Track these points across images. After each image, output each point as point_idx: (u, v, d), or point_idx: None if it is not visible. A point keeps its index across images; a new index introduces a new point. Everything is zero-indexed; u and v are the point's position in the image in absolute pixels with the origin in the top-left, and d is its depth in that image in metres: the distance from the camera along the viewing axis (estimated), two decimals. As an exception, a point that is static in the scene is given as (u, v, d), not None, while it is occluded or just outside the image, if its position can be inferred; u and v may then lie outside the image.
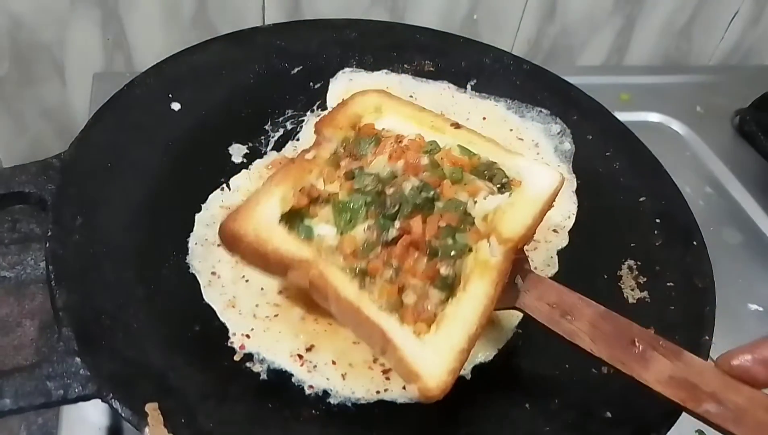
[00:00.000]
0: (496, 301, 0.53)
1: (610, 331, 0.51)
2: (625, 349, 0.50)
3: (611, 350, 0.50)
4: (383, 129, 0.61)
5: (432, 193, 0.54)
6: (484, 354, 0.58)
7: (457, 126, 0.61)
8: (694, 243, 0.67)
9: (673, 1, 1.13)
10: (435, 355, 0.49)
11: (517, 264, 0.55)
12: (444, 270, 0.52)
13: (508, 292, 0.54)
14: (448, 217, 0.53)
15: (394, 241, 0.52)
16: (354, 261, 0.52)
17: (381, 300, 0.51)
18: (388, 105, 0.64)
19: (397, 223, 0.53)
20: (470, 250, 0.53)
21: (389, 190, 0.54)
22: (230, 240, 0.54)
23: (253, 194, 0.56)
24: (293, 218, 0.55)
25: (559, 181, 0.59)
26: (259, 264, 0.55)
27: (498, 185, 0.57)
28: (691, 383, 0.47)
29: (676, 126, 1.03)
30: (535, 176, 0.58)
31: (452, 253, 0.52)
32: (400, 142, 0.58)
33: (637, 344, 0.50)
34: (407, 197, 0.54)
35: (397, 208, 0.53)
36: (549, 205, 0.58)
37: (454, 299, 0.52)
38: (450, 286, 0.52)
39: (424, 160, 0.57)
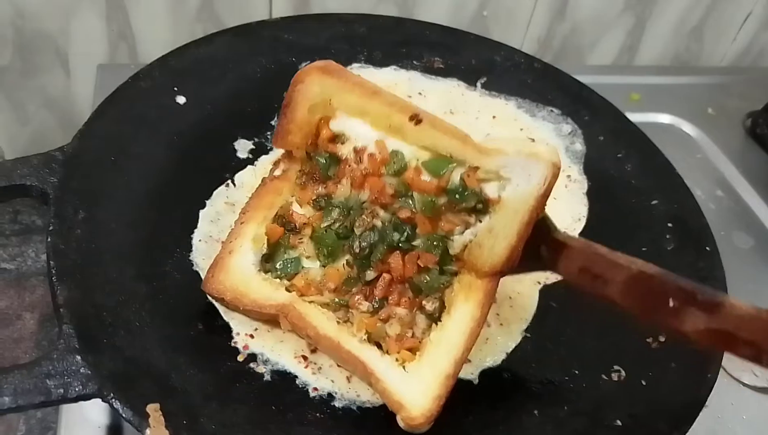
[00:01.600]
0: (524, 268, 0.52)
1: (644, 292, 0.50)
2: (660, 308, 0.49)
3: (647, 310, 0.50)
4: (341, 136, 0.54)
5: (406, 232, 0.51)
6: (492, 358, 0.57)
7: (417, 121, 0.52)
8: (707, 248, 0.66)
9: (684, 1, 1.12)
10: (419, 383, 0.49)
11: (540, 232, 0.52)
12: (429, 305, 0.51)
13: (533, 261, 0.52)
14: (427, 258, 0.51)
15: (375, 280, 0.52)
16: (337, 295, 0.52)
17: (360, 333, 0.51)
18: (335, 95, 0.54)
19: (373, 264, 0.52)
20: (450, 285, 0.52)
21: (358, 230, 0.52)
22: (215, 298, 0.55)
23: (225, 240, 0.56)
24: (276, 250, 0.55)
25: (552, 171, 0.49)
26: (249, 315, 0.55)
27: (474, 211, 0.51)
28: (729, 333, 0.47)
29: (687, 127, 1.02)
30: (522, 171, 0.49)
31: (434, 290, 0.52)
32: (360, 160, 0.53)
33: (672, 303, 0.48)
34: (380, 234, 0.52)
35: (368, 250, 0.52)
36: (542, 203, 0.50)
37: (439, 324, 0.51)
38: (434, 318, 0.52)
39: (390, 189, 0.52)
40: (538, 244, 0.52)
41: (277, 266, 0.54)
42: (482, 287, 0.51)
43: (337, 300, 0.52)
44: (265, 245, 0.55)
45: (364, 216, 0.52)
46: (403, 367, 0.50)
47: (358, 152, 0.53)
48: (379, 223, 0.52)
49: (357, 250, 0.52)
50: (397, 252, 0.51)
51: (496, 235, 0.50)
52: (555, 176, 0.50)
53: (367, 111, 0.54)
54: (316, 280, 0.53)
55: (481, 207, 0.51)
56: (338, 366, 0.54)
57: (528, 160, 0.50)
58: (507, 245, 0.50)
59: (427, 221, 0.51)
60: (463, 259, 0.51)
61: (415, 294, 0.52)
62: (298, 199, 0.56)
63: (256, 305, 0.53)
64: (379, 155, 0.52)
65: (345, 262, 0.53)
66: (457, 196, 0.51)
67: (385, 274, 0.51)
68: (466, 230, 0.51)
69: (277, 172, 0.57)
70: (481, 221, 0.51)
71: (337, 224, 0.53)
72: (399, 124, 0.52)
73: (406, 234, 0.51)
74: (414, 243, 0.52)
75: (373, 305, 0.51)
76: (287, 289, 0.53)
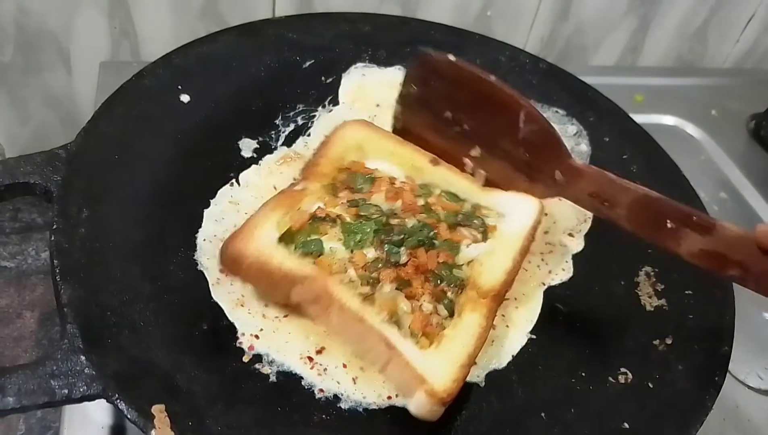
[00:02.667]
0: (540, 193, 0.60)
1: (645, 214, 0.55)
2: (659, 229, 0.54)
3: (647, 230, 0.55)
4: (375, 169, 0.63)
5: (432, 232, 0.57)
6: (497, 360, 0.57)
7: (435, 162, 0.63)
8: (713, 250, 0.65)
9: (688, 3, 1.11)
10: (438, 364, 0.51)
11: (556, 158, 0.59)
12: (450, 294, 0.55)
13: (549, 187, 0.60)
14: (446, 255, 0.56)
15: (404, 263, 0.55)
16: (365, 273, 0.54)
17: (383, 313, 0.52)
18: (369, 141, 0.65)
19: (403, 250, 0.55)
20: (464, 286, 0.56)
21: (394, 221, 0.58)
22: (233, 260, 0.55)
23: (249, 218, 0.57)
24: (293, 238, 0.56)
25: (538, 210, 0.61)
26: (263, 282, 0.55)
27: (479, 232, 0.59)
28: (720, 253, 0.52)
29: (691, 129, 1.01)
30: (513, 210, 0.61)
31: (452, 283, 0.55)
32: (394, 184, 0.61)
33: (669, 224, 0.53)
34: (411, 231, 0.57)
35: (402, 236, 0.56)
36: (531, 238, 0.60)
37: (452, 323, 0.54)
38: (451, 311, 0.54)
39: (420, 202, 0.60)
40: (553, 168, 0.58)
41: (296, 247, 0.55)
42: (486, 304, 0.55)
43: (365, 274, 0.54)
44: (288, 228, 0.57)
45: (397, 215, 0.58)
46: (422, 351, 0.51)
47: (391, 179, 0.62)
48: (410, 223, 0.58)
49: (394, 233, 0.56)
50: (423, 248, 0.56)
51: (495, 257, 0.58)
52: (541, 213, 0.61)
53: (394, 154, 0.64)
54: (343, 259, 0.55)
55: (483, 230, 0.59)
56: (344, 367, 0.54)
57: (519, 198, 0.61)
58: (504, 269, 0.57)
59: (446, 229, 0.58)
60: (467, 276, 0.56)
61: (435, 283, 0.55)
62: (326, 203, 0.59)
63: (281, 271, 0.53)
64: (409, 184, 0.62)
65: (374, 247, 0.56)
66: (468, 217, 0.60)
67: (413, 259, 0.55)
68: (473, 244, 0.58)
69: (298, 188, 0.60)
70: (485, 242, 0.59)
71: (375, 216, 0.57)
72: (420, 165, 0.64)
73: (432, 232, 0.57)
74: (435, 242, 0.57)
75: (401, 281, 0.54)
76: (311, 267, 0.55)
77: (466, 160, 0.63)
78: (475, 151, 0.63)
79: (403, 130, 0.66)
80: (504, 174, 0.62)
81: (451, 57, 0.63)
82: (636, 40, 1.14)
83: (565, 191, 0.60)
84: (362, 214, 0.58)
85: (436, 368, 0.50)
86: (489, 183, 0.63)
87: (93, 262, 0.54)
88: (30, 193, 0.59)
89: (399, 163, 0.64)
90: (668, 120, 1.02)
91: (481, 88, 0.61)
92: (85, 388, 0.46)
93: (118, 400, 0.46)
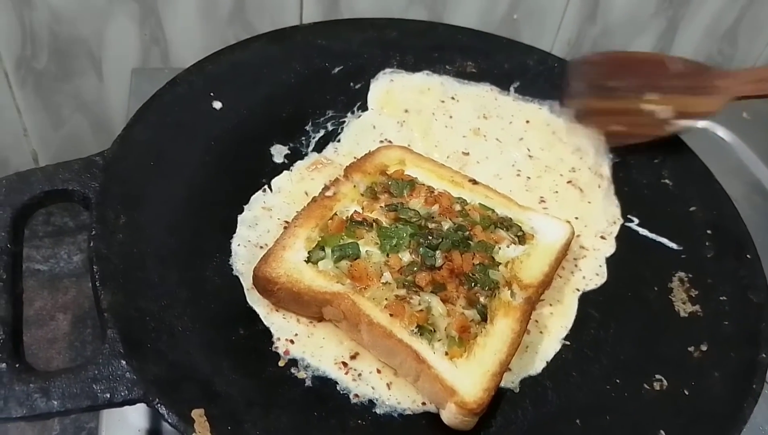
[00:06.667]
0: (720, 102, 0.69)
1: None
2: None
3: None
4: (416, 177, 0.65)
5: (467, 233, 0.59)
6: (533, 367, 0.57)
7: (474, 182, 0.67)
8: (748, 256, 0.65)
9: (717, 3, 1.10)
10: (469, 374, 0.51)
11: (708, 74, 0.72)
12: (483, 299, 0.55)
13: (720, 94, 0.71)
14: (481, 256, 0.58)
15: (439, 267, 0.56)
16: (400, 276, 0.55)
17: (411, 326, 0.53)
18: (410, 160, 0.68)
19: (439, 253, 0.56)
20: (497, 288, 0.56)
21: (431, 225, 0.59)
22: (264, 284, 0.56)
23: (278, 238, 0.59)
24: (331, 241, 0.57)
25: (570, 232, 0.63)
26: (294, 303, 0.56)
27: (516, 237, 0.62)
28: None
29: (722, 132, 1.00)
30: (547, 229, 0.63)
31: (486, 286, 0.56)
32: (432, 192, 0.63)
33: None
34: (446, 233, 0.58)
35: (439, 240, 0.57)
36: (563, 253, 0.63)
37: (484, 331, 0.54)
38: (484, 317, 0.55)
39: (457, 207, 0.62)
40: (712, 80, 0.73)
41: (333, 250, 0.56)
42: (520, 308, 0.56)
43: (401, 277, 0.55)
44: (318, 239, 0.58)
45: (435, 219, 0.60)
46: (452, 362, 0.52)
47: (430, 188, 0.64)
48: (447, 226, 0.60)
49: (432, 237, 0.58)
50: (457, 251, 0.57)
51: (533, 259, 0.60)
52: (572, 235, 0.63)
53: (433, 171, 0.67)
54: (378, 263, 0.56)
55: (521, 235, 0.62)
56: (378, 373, 0.54)
57: (552, 220, 0.64)
58: (542, 270, 0.60)
59: (482, 231, 0.60)
60: (508, 270, 0.58)
61: (470, 286, 0.55)
62: (364, 207, 0.61)
63: (311, 290, 0.55)
64: (447, 195, 0.63)
65: (410, 251, 0.57)
66: (504, 221, 0.62)
67: (448, 263, 0.56)
68: (511, 245, 0.60)
69: (329, 193, 0.62)
70: (523, 245, 0.61)
71: (414, 219, 0.59)
72: (459, 181, 0.66)
73: (467, 233, 0.59)
74: (470, 243, 0.59)
75: (433, 290, 0.55)
76: (341, 282, 0.55)
77: (644, 106, 0.73)
78: (650, 96, 0.73)
79: (579, 113, 0.76)
80: (681, 101, 0.72)
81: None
82: (664, 42, 1.13)
83: (731, 91, 0.71)
84: (401, 217, 0.59)
85: (466, 379, 0.51)
86: (679, 114, 0.72)
87: (131, 268, 0.55)
88: (68, 199, 0.60)
89: (438, 178, 0.66)
90: (699, 123, 1.01)
91: (626, 57, 0.81)
92: (127, 392, 0.47)
93: (159, 405, 0.47)
